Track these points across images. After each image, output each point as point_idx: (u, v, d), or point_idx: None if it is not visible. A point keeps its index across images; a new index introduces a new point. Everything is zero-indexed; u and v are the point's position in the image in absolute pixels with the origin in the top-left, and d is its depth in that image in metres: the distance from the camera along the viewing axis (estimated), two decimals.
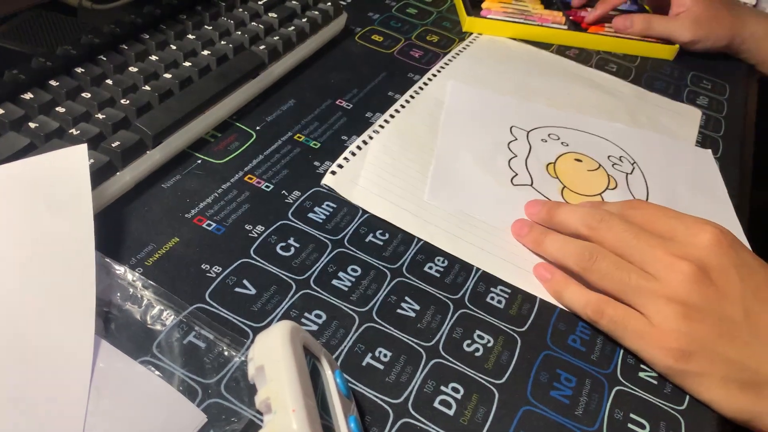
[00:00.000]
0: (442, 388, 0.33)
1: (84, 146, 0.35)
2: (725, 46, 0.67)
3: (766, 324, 0.35)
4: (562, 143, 0.52)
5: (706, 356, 0.34)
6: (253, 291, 0.36)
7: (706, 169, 0.53)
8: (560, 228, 0.42)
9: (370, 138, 0.48)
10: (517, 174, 0.48)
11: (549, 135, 0.52)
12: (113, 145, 0.38)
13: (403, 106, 0.52)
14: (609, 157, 0.52)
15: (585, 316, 0.38)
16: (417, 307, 0.37)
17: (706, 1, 0.66)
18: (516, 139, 0.51)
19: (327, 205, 0.42)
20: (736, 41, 0.67)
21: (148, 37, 0.47)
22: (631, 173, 0.51)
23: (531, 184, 0.47)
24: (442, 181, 0.46)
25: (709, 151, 0.55)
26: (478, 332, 0.36)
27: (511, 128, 0.52)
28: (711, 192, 0.51)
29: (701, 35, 0.66)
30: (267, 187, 0.43)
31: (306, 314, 0.35)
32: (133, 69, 0.44)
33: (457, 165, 0.47)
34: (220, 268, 0.37)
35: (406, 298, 0.37)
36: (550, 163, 0.49)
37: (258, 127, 0.47)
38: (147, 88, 0.43)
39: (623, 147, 0.53)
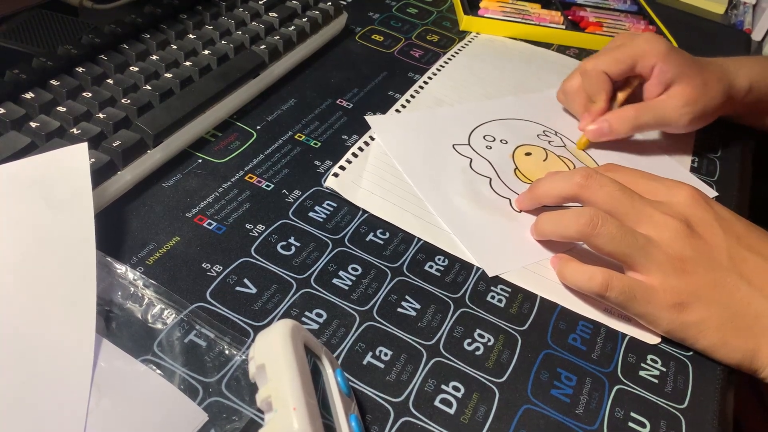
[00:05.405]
0: (443, 386, 0.33)
1: (84, 145, 0.35)
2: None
3: (751, 269, 0.37)
4: (501, 142, 0.50)
5: (702, 305, 0.36)
6: (253, 290, 0.36)
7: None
8: (546, 199, 0.41)
9: (372, 139, 0.48)
10: (508, 199, 0.45)
11: (485, 137, 0.50)
12: (114, 144, 0.38)
13: (404, 106, 0.52)
14: (538, 136, 0.51)
15: (590, 290, 0.37)
16: (417, 306, 0.37)
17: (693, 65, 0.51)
18: (471, 159, 0.48)
19: (327, 204, 0.42)
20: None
21: (148, 36, 0.47)
22: (565, 146, 0.51)
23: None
24: (482, 248, 0.41)
25: None
26: (478, 331, 0.36)
27: (454, 147, 0.49)
28: None
29: (699, 111, 0.50)
30: (267, 186, 0.43)
31: (307, 313, 0.35)
32: (133, 68, 0.44)
33: (467, 217, 0.43)
34: (221, 267, 0.37)
35: (407, 297, 0.37)
36: (515, 169, 0.48)
37: (258, 127, 0.47)
38: (148, 87, 0.43)
39: (536, 120, 0.53)
